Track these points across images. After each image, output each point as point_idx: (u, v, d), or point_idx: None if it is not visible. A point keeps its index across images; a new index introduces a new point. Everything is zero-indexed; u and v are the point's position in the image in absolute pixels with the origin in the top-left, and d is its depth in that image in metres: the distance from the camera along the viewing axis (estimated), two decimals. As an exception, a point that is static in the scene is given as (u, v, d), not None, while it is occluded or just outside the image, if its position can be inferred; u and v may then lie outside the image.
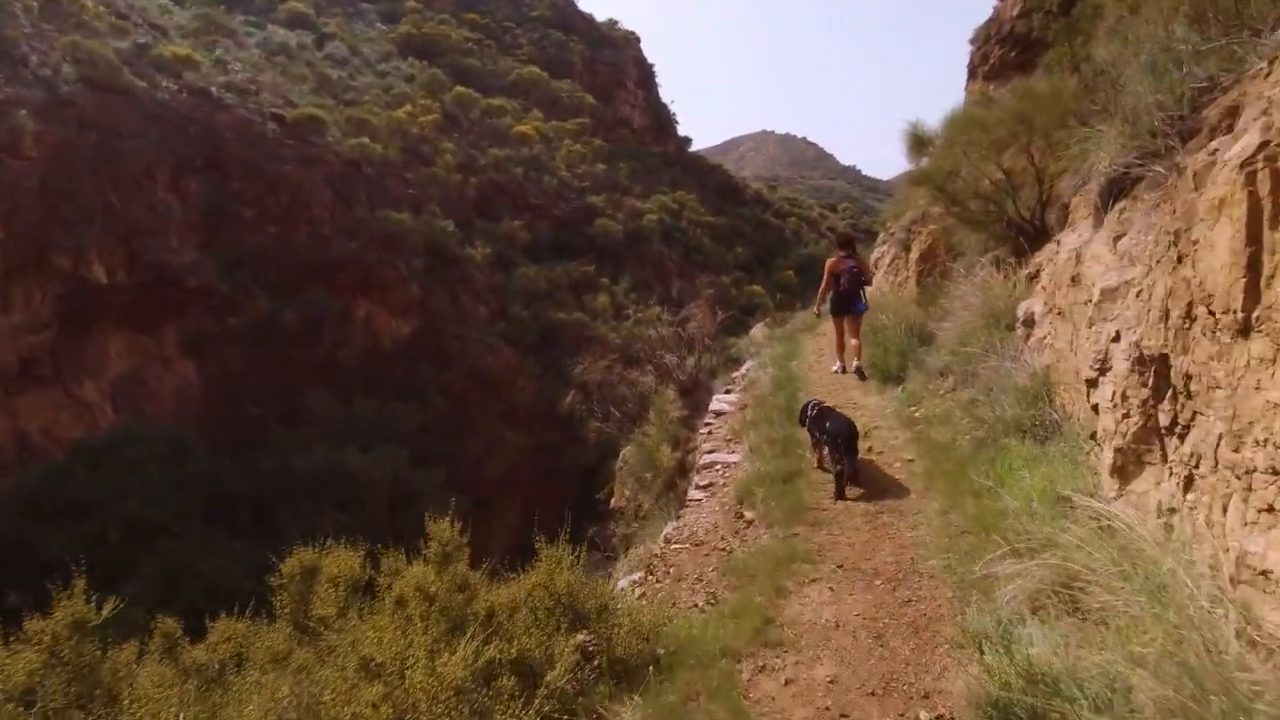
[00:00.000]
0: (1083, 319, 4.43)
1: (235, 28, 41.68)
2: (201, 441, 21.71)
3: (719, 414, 7.90)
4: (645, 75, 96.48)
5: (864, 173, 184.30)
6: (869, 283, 9.70)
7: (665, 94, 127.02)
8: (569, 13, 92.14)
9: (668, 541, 5.64)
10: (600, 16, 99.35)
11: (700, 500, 6.15)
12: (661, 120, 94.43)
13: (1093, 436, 4.27)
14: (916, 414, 6.31)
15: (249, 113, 29.61)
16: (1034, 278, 6.03)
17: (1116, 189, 4.62)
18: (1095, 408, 4.16)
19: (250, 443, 22.87)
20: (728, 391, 9.90)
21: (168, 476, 19.27)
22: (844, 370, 9.27)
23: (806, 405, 6.46)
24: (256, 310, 26.05)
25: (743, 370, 11.16)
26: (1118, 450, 3.81)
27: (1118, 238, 4.33)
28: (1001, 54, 19.41)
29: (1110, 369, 3.95)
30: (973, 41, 22.65)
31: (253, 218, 28.45)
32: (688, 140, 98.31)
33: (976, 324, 6.25)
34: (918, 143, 14.15)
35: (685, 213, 60.14)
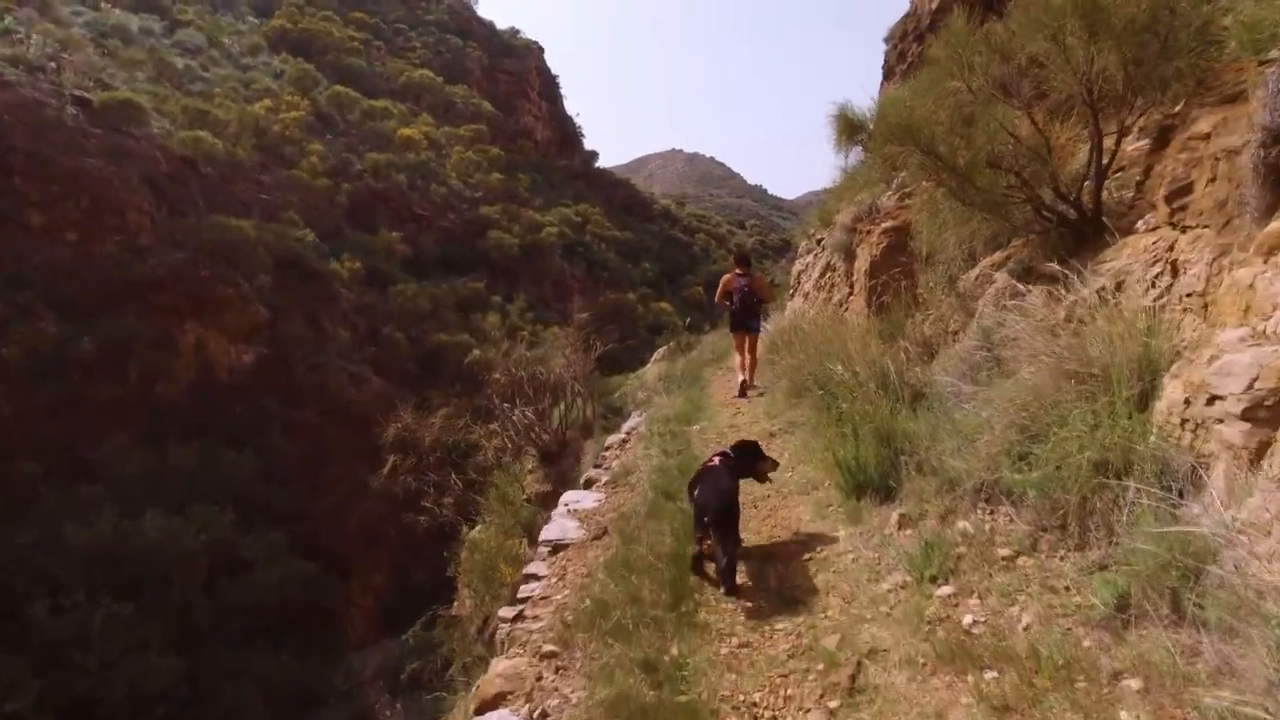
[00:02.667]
0: None
1: (52, 3, 35.34)
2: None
3: (554, 550, 4.36)
4: (549, 87, 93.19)
5: (770, 191, 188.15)
6: (764, 300, 9.27)
7: (572, 109, 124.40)
8: (467, 18, 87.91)
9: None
10: (501, 25, 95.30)
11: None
12: (567, 133, 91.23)
13: None
14: (950, 601, 2.87)
15: (41, 94, 24.09)
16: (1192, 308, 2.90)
17: None
18: None
19: (15, 509, 17.58)
20: (587, 485, 6.34)
21: None
22: (743, 393, 8.33)
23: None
24: (37, 338, 20.63)
25: (623, 432, 7.73)
26: None
27: None
28: (920, 50, 17.15)
29: None
30: (888, 40, 20.51)
31: (42, 224, 22.95)
32: (594, 154, 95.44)
33: (1049, 390, 3.04)
34: (849, 127, 11.34)
35: (589, 226, 56.93)
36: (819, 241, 12.94)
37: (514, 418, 8.14)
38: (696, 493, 4.12)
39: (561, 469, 8.33)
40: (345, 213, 35.81)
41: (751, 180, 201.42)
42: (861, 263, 7.90)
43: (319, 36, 59.01)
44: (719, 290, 9.13)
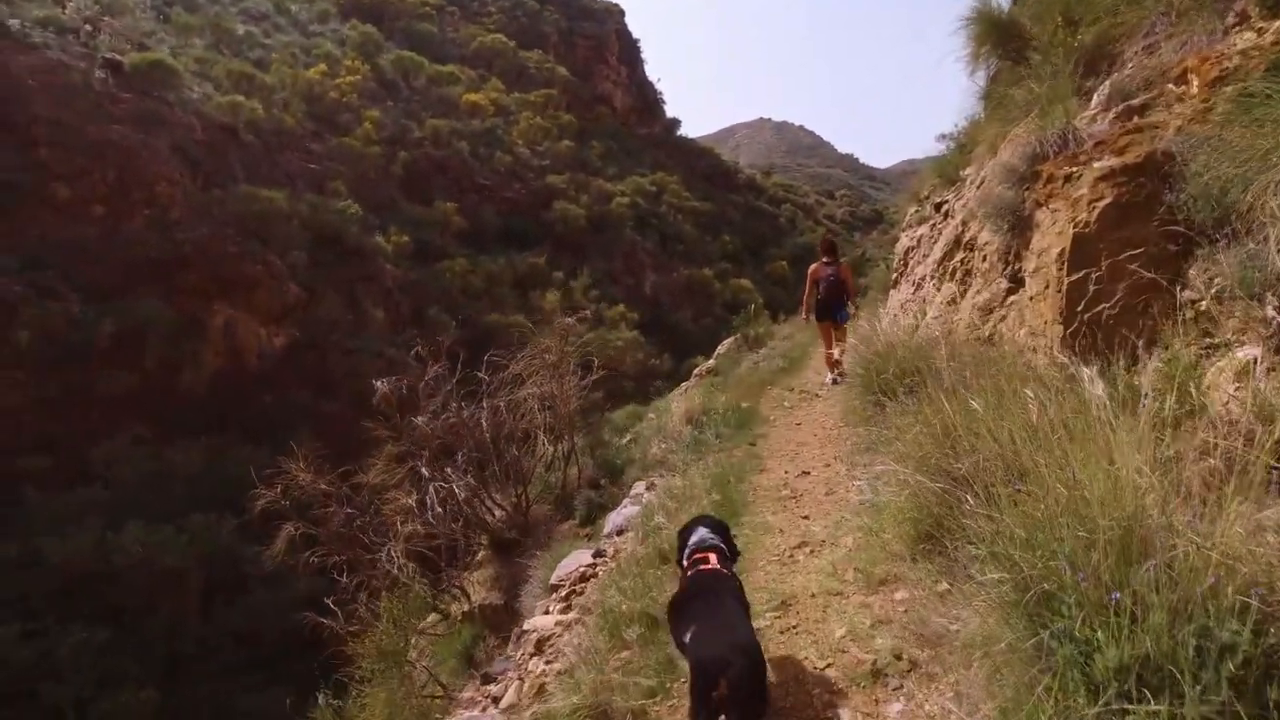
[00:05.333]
0: None
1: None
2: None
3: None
4: (630, 51, 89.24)
5: (862, 160, 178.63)
6: (851, 293, 9.01)
7: (654, 74, 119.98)
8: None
9: None
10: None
11: None
12: (647, 100, 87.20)
13: None
14: None
15: (71, 58, 22.58)
16: None
17: None
18: None
19: (8, 512, 16.06)
20: (548, 611, 3.06)
21: None
22: (833, 380, 8.14)
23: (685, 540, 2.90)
24: (51, 321, 19.14)
25: (607, 535, 4.38)
26: None
27: None
28: None
29: None
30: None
31: (67, 198, 21.51)
32: (676, 122, 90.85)
33: None
34: (994, 32, 7.51)
35: (666, 196, 53.13)
36: (939, 207, 9.01)
37: (446, 493, 4.93)
38: (691, 636, 2.41)
39: (517, 570, 5.07)
40: (399, 183, 33.65)
41: (842, 149, 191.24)
42: (1048, 238, 4.17)
43: (391, 3, 57.31)
44: (807, 280, 8.97)
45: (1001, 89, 7.86)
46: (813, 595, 2.95)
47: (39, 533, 15.07)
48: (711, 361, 14.68)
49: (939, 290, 7.26)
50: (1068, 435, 2.32)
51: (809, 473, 4.83)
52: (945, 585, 2.62)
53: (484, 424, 5.56)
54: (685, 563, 2.81)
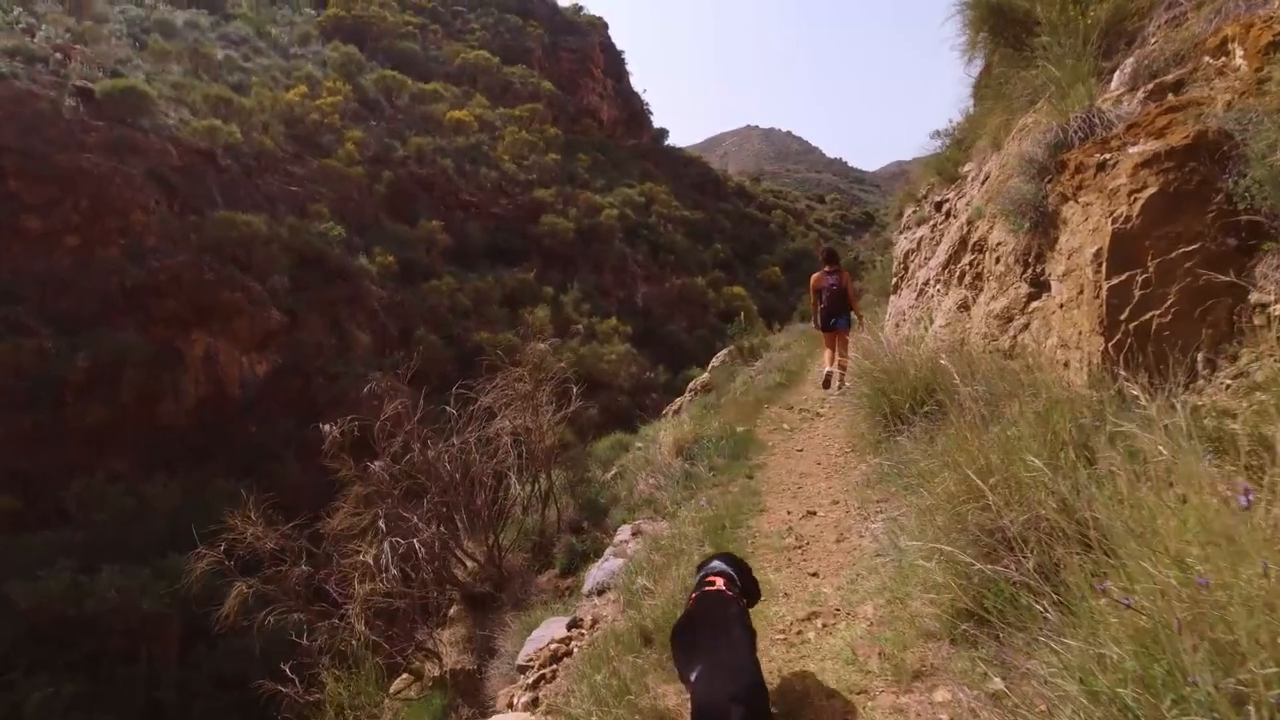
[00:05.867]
0: None
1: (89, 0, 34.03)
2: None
3: None
4: (615, 63, 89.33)
5: (851, 164, 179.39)
6: (853, 301, 9.00)
7: (639, 85, 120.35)
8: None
9: None
10: (564, 2, 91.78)
11: None
12: (633, 111, 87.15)
13: None
14: None
15: (40, 87, 22.05)
16: None
17: None
18: None
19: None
20: (512, 703, 2.47)
21: None
22: (828, 384, 8.15)
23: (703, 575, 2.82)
24: (25, 355, 18.50)
25: (585, 596, 3.80)
26: None
27: None
28: None
29: None
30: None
31: (38, 229, 20.91)
32: (664, 132, 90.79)
33: None
34: (991, 15, 7.07)
35: (655, 207, 52.74)
36: (939, 206, 8.49)
37: (406, 548, 4.32)
38: (696, 676, 2.26)
39: (491, 629, 4.46)
40: (383, 202, 33.14)
41: (831, 154, 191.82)
42: (1080, 236, 3.63)
43: (373, 23, 57.11)
44: (810, 290, 9.14)
45: (1000, 78, 7.37)
46: (829, 695, 2.37)
47: (7, 577, 14.36)
48: (706, 375, 14.12)
49: (945, 295, 6.72)
50: (1159, 497, 1.76)
51: (815, 513, 4.26)
52: (999, 683, 2.05)
53: (449, 465, 4.98)
54: (694, 589, 2.77)
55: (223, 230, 21.75)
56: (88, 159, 21.69)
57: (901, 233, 9.99)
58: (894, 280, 9.72)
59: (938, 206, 8.22)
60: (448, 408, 5.73)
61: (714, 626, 2.41)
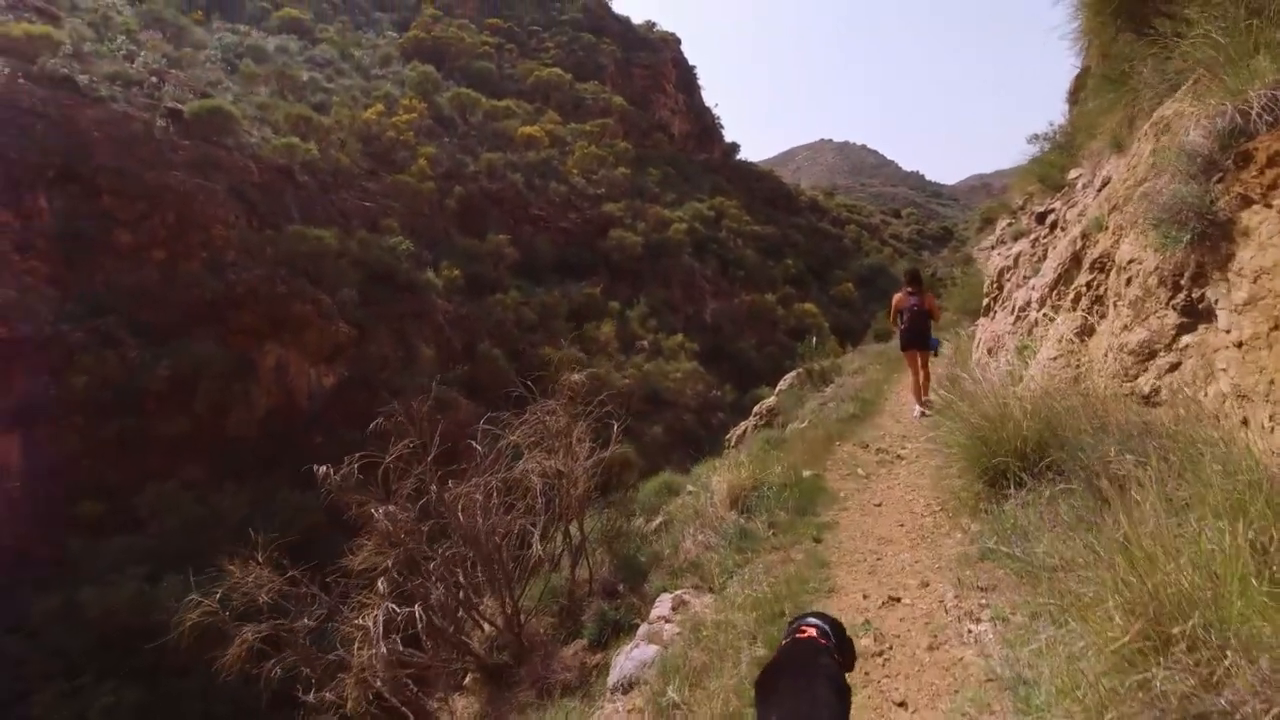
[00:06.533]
0: None
1: (185, 25, 36.02)
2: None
3: None
4: (686, 78, 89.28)
5: (928, 177, 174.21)
6: (935, 318, 8.79)
7: (711, 100, 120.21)
8: (601, 15, 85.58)
9: None
10: (637, 19, 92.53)
11: None
12: (705, 125, 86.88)
13: None
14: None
15: (135, 109, 23.17)
16: None
17: None
18: None
19: (49, 568, 15.88)
20: None
21: None
22: (923, 413, 7.96)
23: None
24: (110, 366, 19.24)
25: (617, 678, 3.07)
26: None
27: None
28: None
29: None
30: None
31: (129, 244, 21.88)
32: (735, 146, 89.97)
33: None
34: None
35: (725, 221, 51.89)
36: (1042, 218, 7.43)
37: (408, 616, 3.72)
38: None
39: (507, 711, 3.79)
40: (453, 217, 33.54)
41: (907, 167, 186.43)
42: (1273, 253, 2.72)
43: (451, 43, 58.70)
44: (891, 310, 9.11)
45: (1118, 69, 6.30)
46: None
47: (82, 583, 14.74)
48: (773, 399, 13.20)
49: (1054, 321, 5.70)
50: None
51: (899, 599, 3.42)
52: None
53: (466, 512, 4.36)
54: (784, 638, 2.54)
55: (295, 244, 22.25)
56: (174, 176, 22.59)
57: (994, 248, 8.93)
58: (985, 300, 8.65)
59: (1040, 218, 7.18)
60: (474, 443, 5.16)
61: (799, 676, 2.21)
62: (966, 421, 4.07)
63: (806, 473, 5.48)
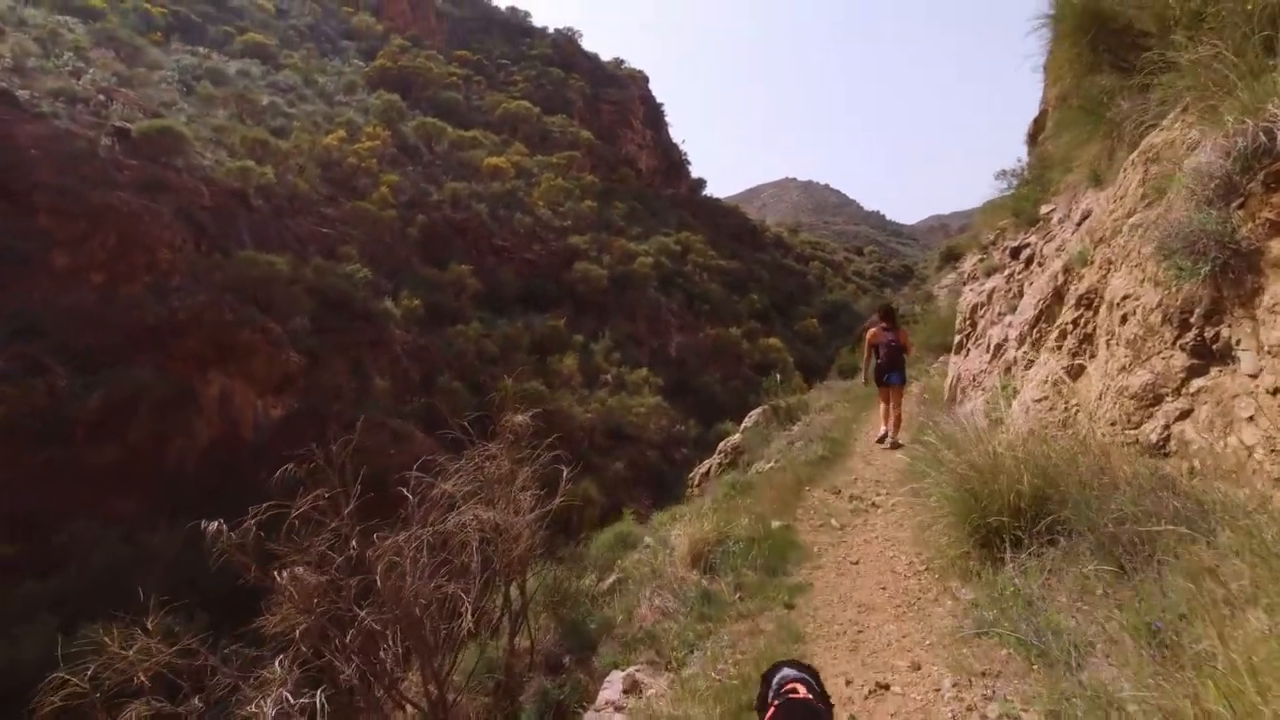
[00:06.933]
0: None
1: (142, 45, 35.11)
2: None
3: None
4: (654, 114, 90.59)
5: (888, 217, 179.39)
6: (909, 352, 9.30)
7: (680, 138, 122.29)
8: (571, 51, 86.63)
9: None
10: (606, 56, 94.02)
11: None
12: (672, 161, 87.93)
13: None
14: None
15: (79, 126, 22.22)
16: None
17: None
18: None
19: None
20: None
21: None
22: (885, 440, 8.71)
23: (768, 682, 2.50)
24: (37, 394, 18.02)
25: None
26: None
27: None
28: None
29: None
30: None
31: (67, 265, 20.75)
32: (701, 182, 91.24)
33: None
34: (1091, 21, 5.97)
35: (691, 256, 52.07)
36: (1016, 253, 7.19)
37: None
38: None
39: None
40: (416, 246, 32.86)
41: (868, 207, 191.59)
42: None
43: (419, 73, 58.55)
44: (866, 346, 9.22)
45: (1095, 101, 6.12)
46: None
47: (-10, 635, 13.45)
48: (738, 437, 12.77)
49: (1036, 360, 5.39)
50: None
51: (888, 687, 2.93)
52: None
53: (397, 572, 3.77)
54: (771, 697, 2.43)
55: (245, 270, 21.36)
56: (118, 196, 21.62)
57: (966, 284, 8.71)
58: (958, 337, 8.39)
59: (1014, 253, 6.95)
60: (405, 490, 4.57)
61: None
62: (953, 472, 3.66)
63: (775, 523, 5.01)
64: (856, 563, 4.35)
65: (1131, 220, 4.17)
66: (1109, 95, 5.57)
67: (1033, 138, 19.47)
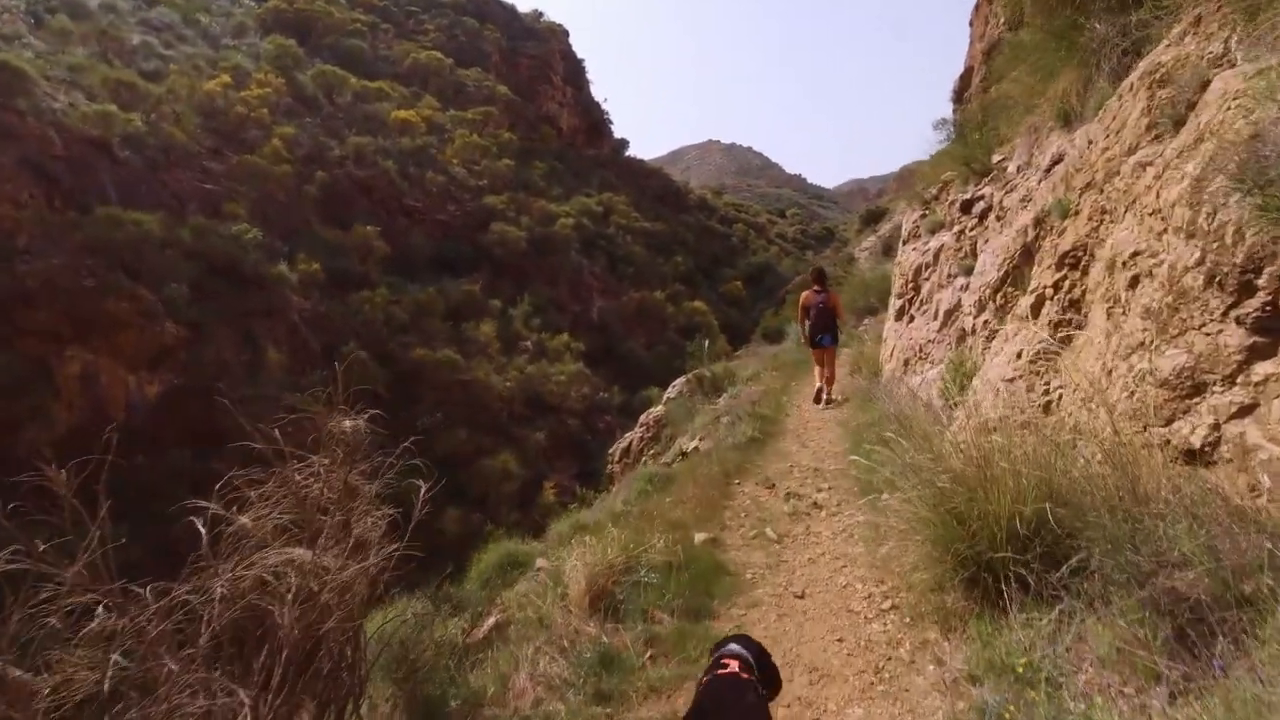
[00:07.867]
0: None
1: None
2: None
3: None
4: (575, 71, 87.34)
5: (810, 180, 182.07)
6: (840, 316, 9.14)
7: (602, 97, 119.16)
8: (485, 0, 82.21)
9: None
10: (524, 8, 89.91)
11: None
12: (594, 120, 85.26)
13: None
14: None
15: (-109, 60, 18.87)
16: None
17: None
18: None
19: None
20: None
21: None
22: (820, 399, 8.84)
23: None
24: None
25: None
26: None
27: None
28: None
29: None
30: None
31: (-119, 223, 17.74)
32: (624, 143, 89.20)
33: None
34: None
35: (614, 217, 50.64)
36: (968, 207, 6.40)
37: None
38: None
39: None
40: (315, 205, 30.26)
41: (790, 170, 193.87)
42: None
43: (318, 17, 54.05)
44: (799, 308, 9.22)
45: (1059, 30, 5.29)
46: None
47: None
48: (660, 408, 11.87)
49: (1001, 330, 4.58)
50: None
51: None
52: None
53: (153, 653, 2.60)
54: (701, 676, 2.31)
55: (108, 230, 18.81)
56: (-54, 144, 18.60)
57: (907, 241, 7.93)
58: (899, 302, 7.64)
59: (965, 207, 6.17)
60: (197, 520, 3.36)
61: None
62: (930, 484, 2.79)
63: (699, 536, 4.06)
64: (801, 595, 3.44)
65: (1135, 158, 3.35)
66: (1083, 17, 4.75)
67: (958, 94, 18.79)
